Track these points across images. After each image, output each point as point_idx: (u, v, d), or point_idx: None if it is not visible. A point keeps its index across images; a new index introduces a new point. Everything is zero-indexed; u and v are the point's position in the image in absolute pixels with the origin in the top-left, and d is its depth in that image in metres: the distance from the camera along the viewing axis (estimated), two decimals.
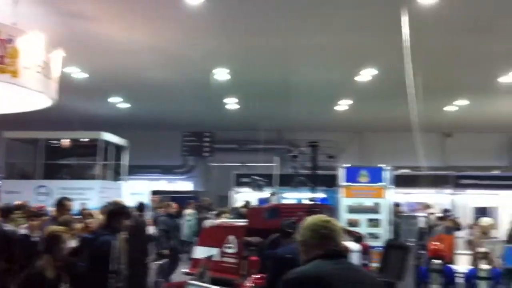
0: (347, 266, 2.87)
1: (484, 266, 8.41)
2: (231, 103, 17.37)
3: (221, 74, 13.46)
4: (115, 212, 5.70)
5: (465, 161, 20.72)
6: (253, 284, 5.87)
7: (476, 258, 8.99)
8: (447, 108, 17.19)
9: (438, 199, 15.92)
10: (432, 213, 13.98)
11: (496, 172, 18.20)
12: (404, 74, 10.06)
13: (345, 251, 2.96)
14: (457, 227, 12.99)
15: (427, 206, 14.47)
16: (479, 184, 15.41)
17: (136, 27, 10.47)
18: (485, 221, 11.43)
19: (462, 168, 19.00)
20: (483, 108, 17.04)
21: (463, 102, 16.38)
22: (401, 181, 14.88)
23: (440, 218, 13.84)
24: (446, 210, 14.95)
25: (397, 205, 14.72)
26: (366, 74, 13.19)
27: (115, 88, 15.84)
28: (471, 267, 9.07)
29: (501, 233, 11.51)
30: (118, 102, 17.63)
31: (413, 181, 15.68)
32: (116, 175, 18.32)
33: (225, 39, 11.07)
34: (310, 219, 2.99)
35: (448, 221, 13.35)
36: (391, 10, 8.76)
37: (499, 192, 14.97)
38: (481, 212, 15.10)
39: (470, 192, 15.63)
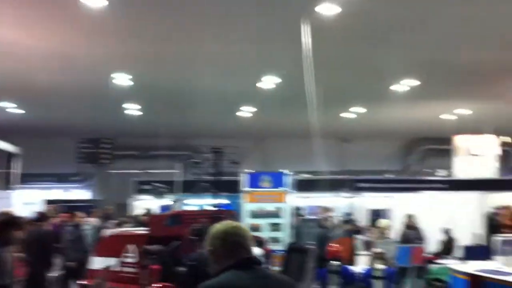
0: (262, 275, 2.72)
1: (378, 266, 8.81)
2: (132, 109, 16.97)
3: (122, 79, 13.10)
4: (5, 223, 5.37)
5: (362, 166, 21.66)
6: None
7: (373, 258, 9.40)
8: (345, 115, 17.87)
9: (337, 202, 16.50)
10: (331, 216, 14.46)
11: (390, 176, 19.17)
12: (304, 83, 10.35)
13: (259, 259, 2.83)
14: (357, 229, 13.53)
15: (326, 210, 14.92)
16: (374, 188, 16.16)
17: (31, 29, 9.93)
18: (382, 222, 12.02)
19: (359, 173, 19.87)
20: (378, 115, 17.87)
21: (359, 110, 17.07)
22: (302, 186, 15.27)
23: (345, 222, 14.37)
24: (347, 214, 15.53)
25: (298, 209, 15.10)
26: (269, 82, 13.41)
27: (7, 93, 14.93)
28: (367, 267, 9.46)
29: (394, 234, 12.10)
30: (10, 107, 16.65)
31: (313, 185, 16.14)
32: (7, 184, 17.25)
33: (126, 44, 10.79)
34: (220, 226, 2.82)
35: (349, 225, 13.89)
36: (292, 20, 8.96)
37: (392, 195, 15.77)
38: (377, 214, 15.83)
39: (366, 195, 16.33)
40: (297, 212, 14.73)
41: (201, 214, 9.38)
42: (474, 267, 7.65)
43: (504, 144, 19.31)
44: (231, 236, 2.76)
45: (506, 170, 19.98)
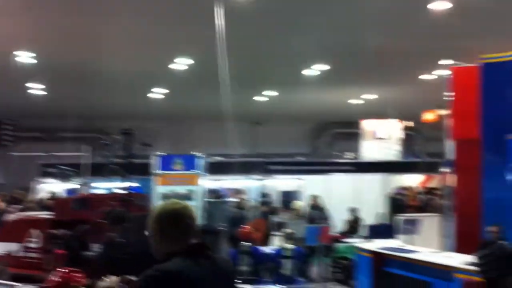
0: (212, 262, 2.43)
1: (288, 245, 9.01)
2: (36, 89, 16.12)
3: (25, 57, 12.37)
4: None
5: (273, 149, 21.99)
6: (59, 279, 5.51)
7: (283, 238, 9.60)
8: (257, 98, 18.00)
9: (249, 184, 16.65)
10: (244, 199, 14.60)
11: (300, 159, 19.61)
12: (218, 65, 10.27)
13: (208, 244, 2.52)
14: (272, 211, 13.78)
15: (238, 192, 15.03)
16: (285, 170, 16.46)
17: None
18: (297, 204, 12.32)
19: (270, 155, 20.14)
20: (289, 98, 18.14)
21: (272, 93, 17.26)
22: (214, 168, 15.25)
23: (262, 203, 14.54)
24: (263, 195, 15.73)
25: (211, 191, 15.06)
26: (182, 63, 13.19)
27: None
28: (277, 247, 9.65)
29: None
30: None
31: (226, 168, 16.18)
32: None
33: (28, 20, 10.18)
34: (169, 206, 2.50)
35: (265, 206, 14.10)
36: (206, 0, 8.84)
37: (302, 177, 16.16)
38: (287, 195, 16.17)
39: (277, 177, 16.62)
40: (211, 194, 14.71)
41: (110, 197, 9.12)
42: (377, 245, 8.00)
43: (407, 128, 20.35)
44: (183, 218, 2.47)
45: (408, 153, 21.08)
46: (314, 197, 13.26)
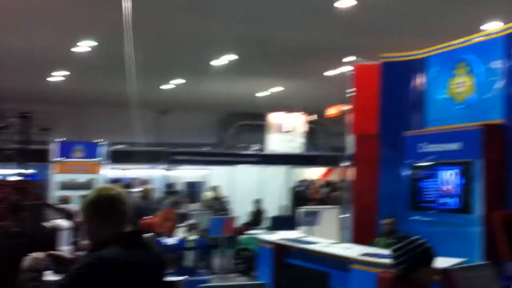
0: (147, 250, 2.40)
1: (191, 236, 8.92)
2: None
3: None
4: None
5: (180, 138, 21.71)
6: None
7: (186, 229, 9.48)
8: (164, 86, 17.67)
9: (153, 174, 16.35)
10: (148, 189, 14.34)
11: (206, 149, 19.52)
12: (123, 50, 9.91)
13: (143, 231, 2.50)
14: (181, 201, 13.62)
15: (144, 182, 14.76)
16: (191, 160, 16.32)
17: None
18: (207, 194, 12.27)
19: (177, 145, 19.88)
20: (197, 88, 17.96)
21: (179, 81, 17.00)
22: (118, 157, 14.84)
23: (170, 193, 14.29)
24: (169, 185, 15.46)
25: (114, 181, 14.60)
26: (84, 45, 12.61)
27: None
28: (180, 238, 9.53)
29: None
30: None
31: (130, 157, 15.77)
32: None
33: None
34: (104, 192, 2.43)
35: (173, 196, 13.88)
36: None
37: (209, 167, 16.10)
38: (193, 186, 16.06)
39: (183, 167, 16.44)
40: (114, 184, 14.26)
41: (4, 184, 8.58)
42: (279, 236, 8.10)
43: (311, 122, 20.88)
44: (119, 205, 2.39)
45: (312, 147, 21.66)
46: (214, 188, 13.30)
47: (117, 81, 12.31)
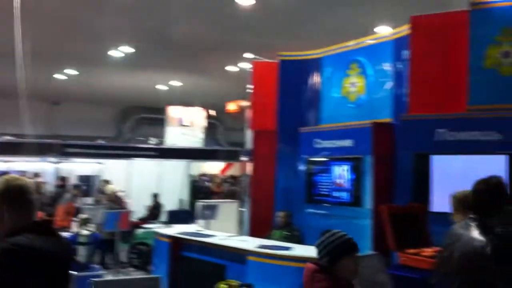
0: (54, 238, 2.42)
1: (84, 231, 8.62)
2: None
3: None
4: None
5: (73, 131, 20.90)
6: None
7: (79, 224, 9.15)
8: (56, 76, 16.90)
9: (43, 167, 15.58)
10: (41, 182, 13.71)
11: (100, 142, 18.92)
12: (12, 37, 9.34)
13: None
14: (81, 195, 13.14)
15: (36, 175, 14.08)
16: (84, 153, 15.72)
17: None
18: (109, 188, 11.88)
19: (70, 137, 19.10)
20: (93, 79, 17.39)
21: (72, 72, 16.35)
22: (4, 149, 14.01)
23: (61, 187, 13.67)
24: (62, 179, 14.78)
25: (2, 173, 13.72)
26: None
27: None
28: (73, 233, 9.18)
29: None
30: None
31: (17, 149, 14.92)
32: None
33: None
34: (11, 182, 2.41)
35: (76, 190, 13.30)
36: None
37: (103, 161, 15.61)
38: (86, 180, 15.51)
39: (75, 160, 15.81)
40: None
41: None
42: (176, 230, 8.06)
43: (210, 117, 20.93)
44: (27, 194, 2.41)
45: (211, 141, 21.74)
46: (106, 182, 13.00)
47: (3, 69, 11.58)
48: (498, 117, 5.91)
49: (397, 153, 6.72)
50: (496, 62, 6.05)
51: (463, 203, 4.24)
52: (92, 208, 11.35)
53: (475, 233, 3.11)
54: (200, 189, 17.11)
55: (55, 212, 11.32)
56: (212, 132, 23.21)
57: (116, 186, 13.27)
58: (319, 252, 3.23)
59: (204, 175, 19.23)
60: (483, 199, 3.23)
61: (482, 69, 6.10)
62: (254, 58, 9.56)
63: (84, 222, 8.88)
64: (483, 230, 3.10)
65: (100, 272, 8.28)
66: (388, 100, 7.32)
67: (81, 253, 8.46)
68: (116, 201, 11.92)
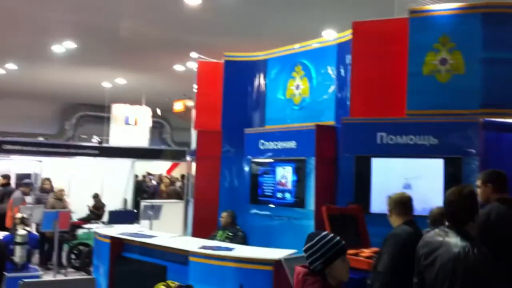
0: None
1: (20, 231, 8.35)
2: None
3: None
4: None
5: (12, 127, 20.24)
6: None
7: (15, 223, 8.85)
8: None
9: None
10: None
11: (40, 139, 18.37)
12: None
13: None
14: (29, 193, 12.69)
15: None
16: (22, 150, 15.20)
17: None
18: (58, 187, 11.53)
19: (8, 134, 18.47)
20: (33, 74, 16.91)
21: (12, 66, 15.83)
22: None
23: (6, 185, 13.15)
24: (6, 177, 14.22)
25: None
26: None
27: None
28: (8, 233, 8.87)
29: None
30: None
31: None
32: None
33: None
34: None
35: (25, 187, 12.81)
36: None
37: (42, 159, 15.15)
38: (24, 178, 14.99)
39: (13, 157, 15.26)
40: None
41: None
42: (117, 230, 7.91)
43: (156, 116, 20.70)
44: None
45: (157, 141, 21.50)
46: (46, 179, 12.68)
47: None
48: (434, 122, 6.12)
49: (339, 156, 6.83)
50: (434, 69, 6.26)
51: (398, 204, 4.36)
52: (31, 207, 10.99)
53: (456, 239, 3.22)
54: (144, 189, 16.86)
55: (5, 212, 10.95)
56: (158, 132, 22.97)
57: (57, 185, 12.89)
58: (310, 255, 3.14)
59: (150, 174, 18.98)
60: (458, 208, 3.33)
61: (420, 75, 6.30)
62: (199, 58, 9.50)
63: (21, 222, 8.59)
64: (463, 236, 3.22)
65: (37, 273, 8.02)
66: (332, 103, 7.42)
67: (18, 253, 8.19)
68: (62, 200, 11.59)
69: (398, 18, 6.67)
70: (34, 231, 9.48)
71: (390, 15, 6.83)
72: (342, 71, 7.27)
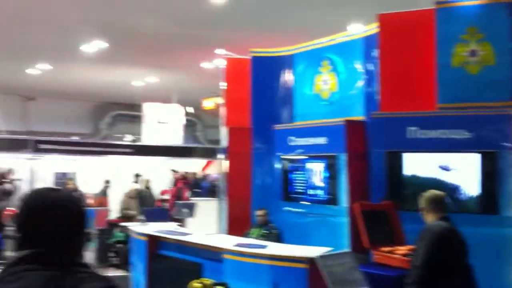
0: None
1: None
2: None
3: None
4: None
5: (49, 127, 20.65)
6: None
7: None
8: (30, 71, 16.66)
9: (17, 164, 15.36)
10: (15, 179, 13.57)
11: (75, 138, 18.74)
12: None
13: None
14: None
15: (9, 171, 13.90)
16: (58, 150, 15.55)
17: None
18: (131, 186, 11.88)
19: (44, 134, 18.88)
20: (67, 74, 17.18)
21: (47, 67, 16.12)
22: None
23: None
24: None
25: None
26: None
27: None
28: None
29: None
30: None
31: None
32: None
33: None
34: None
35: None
36: None
37: (77, 158, 15.47)
38: (62, 177, 15.35)
39: (49, 157, 15.62)
40: None
41: None
42: (153, 228, 8.05)
43: (188, 114, 20.86)
44: None
45: (190, 138, 21.68)
46: (71, 180, 12.98)
47: None
48: (467, 115, 6.01)
49: (370, 151, 6.79)
50: (463, 60, 6.16)
51: (433, 202, 4.35)
52: None
53: None
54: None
55: None
56: (191, 130, 23.14)
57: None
58: None
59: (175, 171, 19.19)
60: None
61: (449, 67, 6.20)
62: (226, 55, 9.51)
63: None
64: None
65: None
66: (360, 97, 7.38)
67: None
68: (135, 198, 11.87)
69: (425, 9, 6.57)
70: None
71: (416, 6, 6.72)
72: (369, 65, 7.20)
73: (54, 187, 1.99)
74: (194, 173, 17.50)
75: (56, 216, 1.77)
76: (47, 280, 1.69)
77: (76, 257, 1.83)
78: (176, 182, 13.67)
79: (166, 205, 12.62)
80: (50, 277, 1.70)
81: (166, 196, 13.06)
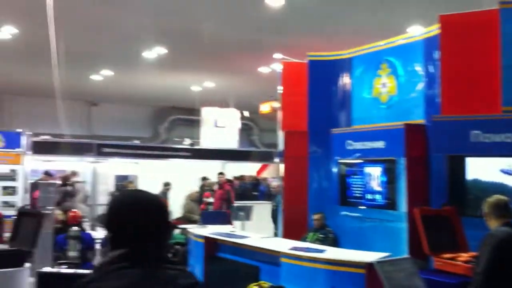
0: None
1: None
2: None
3: None
4: None
5: (110, 131, 21.27)
6: None
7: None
8: (93, 77, 17.24)
9: (80, 167, 15.89)
10: (77, 181, 13.99)
11: (136, 142, 19.24)
12: (47, 38, 9.59)
13: None
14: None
15: (74, 174, 14.38)
16: (120, 153, 15.99)
17: None
18: (192, 189, 12.18)
19: (107, 138, 19.45)
20: (128, 80, 17.65)
21: (108, 72, 16.64)
22: (41, 148, 14.31)
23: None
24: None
25: (45, 173, 14.05)
26: (5, 32, 12.06)
27: None
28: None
29: None
30: None
31: (54, 148, 15.25)
32: None
33: None
34: None
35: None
36: None
37: (138, 161, 15.86)
38: (123, 179, 15.77)
39: (111, 160, 16.10)
40: (43, 175, 13.76)
41: None
42: (210, 230, 8.15)
43: (245, 118, 21.02)
44: None
45: (246, 142, 21.81)
46: (131, 182, 13.30)
47: (41, 70, 11.88)
48: None
49: (430, 155, 6.64)
50: None
51: (496, 207, 4.22)
52: None
53: None
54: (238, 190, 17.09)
55: None
56: (247, 134, 23.29)
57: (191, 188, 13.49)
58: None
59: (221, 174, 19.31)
60: None
61: None
62: (283, 59, 9.54)
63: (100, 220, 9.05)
64: None
65: None
66: (420, 100, 7.23)
67: None
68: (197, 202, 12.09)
69: (488, 10, 6.37)
70: None
71: (478, 7, 6.53)
72: (430, 67, 7.05)
73: (138, 188, 2.13)
74: (252, 177, 17.55)
75: (147, 214, 1.88)
76: (145, 277, 1.80)
77: (164, 253, 1.93)
78: (222, 185, 13.75)
79: (211, 208, 12.74)
80: (147, 274, 1.80)
81: (211, 199, 13.17)
